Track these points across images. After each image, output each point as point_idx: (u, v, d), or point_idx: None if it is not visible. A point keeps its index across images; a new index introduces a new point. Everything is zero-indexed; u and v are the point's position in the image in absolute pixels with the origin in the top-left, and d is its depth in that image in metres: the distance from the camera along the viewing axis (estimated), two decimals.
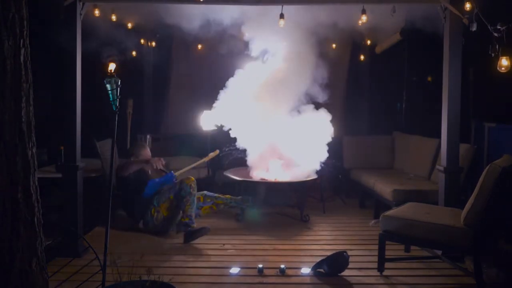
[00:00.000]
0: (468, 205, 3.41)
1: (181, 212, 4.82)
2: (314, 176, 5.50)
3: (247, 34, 5.59)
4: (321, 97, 5.76)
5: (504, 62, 3.53)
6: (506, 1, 4.31)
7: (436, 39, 4.69)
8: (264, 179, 5.54)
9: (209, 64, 7.19)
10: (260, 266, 3.84)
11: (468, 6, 3.80)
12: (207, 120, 5.95)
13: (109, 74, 2.91)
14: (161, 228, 4.90)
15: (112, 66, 2.91)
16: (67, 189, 4.17)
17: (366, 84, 7.78)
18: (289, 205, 5.72)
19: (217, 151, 5.60)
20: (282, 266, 3.84)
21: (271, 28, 5.15)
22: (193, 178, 4.95)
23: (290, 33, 5.45)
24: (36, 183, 2.34)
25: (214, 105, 5.62)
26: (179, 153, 7.14)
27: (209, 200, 5.18)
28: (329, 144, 5.64)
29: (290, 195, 5.77)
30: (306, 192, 5.80)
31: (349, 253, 3.93)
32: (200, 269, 3.89)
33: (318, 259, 3.85)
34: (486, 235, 3.45)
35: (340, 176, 6.53)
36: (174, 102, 7.75)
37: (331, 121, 5.66)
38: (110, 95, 2.92)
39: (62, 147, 5.01)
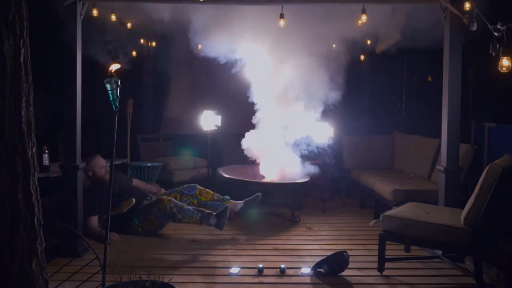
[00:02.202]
0: (468, 205, 3.41)
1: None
2: (306, 179, 5.46)
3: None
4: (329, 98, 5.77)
5: (505, 62, 3.52)
6: (506, 1, 4.31)
7: (436, 39, 4.69)
8: (258, 179, 5.53)
9: (209, 64, 7.19)
10: (260, 266, 3.84)
11: (468, 5, 3.80)
12: (207, 120, 5.95)
13: (109, 74, 2.90)
14: (154, 232, 4.83)
15: (112, 67, 2.91)
16: (67, 189, 4.17)
17: (366, 84, 7.78)
18: (284, 205, 5.70)
19: (133, 200, 4.87)
20: (282, 266, 3.84)
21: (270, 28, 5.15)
22: (166, 199, 4.75)
23: (290, 33, 5.45)
24: (36, 183, 2.35)
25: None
26: (179, 153, 7.15)
27: (185, 199, 5.07)
28: (328, 144, 5.65)
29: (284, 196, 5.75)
30: (299, 194, 5.75)
31: (349, 253, 3.93)
32: (200, 269, 3.89)
33: (318, 259, 3.84)
34: (486, 235, 3.44)
35: (347, 176, 6.52)
36: (174, 102, 7.75)
37: (331, 121, 5.67)
38: (110, 95, 2.92)
39: (44, 147, 4.98)
